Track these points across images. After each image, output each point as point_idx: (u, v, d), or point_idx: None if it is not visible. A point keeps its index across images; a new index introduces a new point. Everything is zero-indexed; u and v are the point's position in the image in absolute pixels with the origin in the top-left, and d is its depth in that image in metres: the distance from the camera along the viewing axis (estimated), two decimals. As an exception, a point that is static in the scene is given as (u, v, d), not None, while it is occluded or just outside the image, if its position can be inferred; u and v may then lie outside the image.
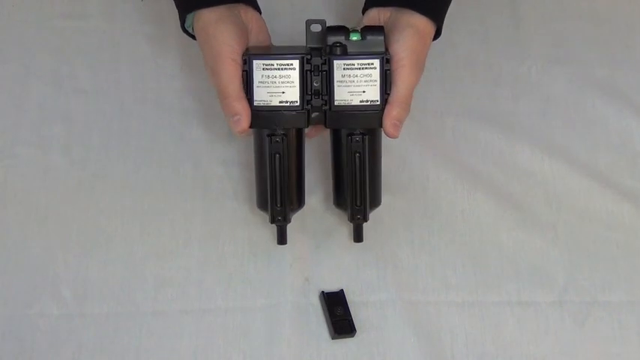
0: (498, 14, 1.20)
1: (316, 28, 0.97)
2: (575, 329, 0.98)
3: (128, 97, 1.13)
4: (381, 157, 0.99)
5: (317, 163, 1.07)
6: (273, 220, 0.98)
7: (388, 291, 1.00)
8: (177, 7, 1.00)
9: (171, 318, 0.98)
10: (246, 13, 0.99)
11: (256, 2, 1.01)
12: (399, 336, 0.97)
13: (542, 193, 1.07)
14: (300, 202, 1.00)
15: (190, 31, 1.00)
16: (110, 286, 1.00)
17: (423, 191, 1.06)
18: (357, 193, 0.97)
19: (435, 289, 1.00)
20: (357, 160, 0.95)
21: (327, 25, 0.96)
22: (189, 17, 0.98)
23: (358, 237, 0.99)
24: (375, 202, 0.99)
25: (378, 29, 0.96)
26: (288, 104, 0.94)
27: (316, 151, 1.07)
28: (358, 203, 0.97)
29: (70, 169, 1.07)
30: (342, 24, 0.97)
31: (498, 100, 1.13)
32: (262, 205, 0.99)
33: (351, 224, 0.99)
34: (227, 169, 1.08)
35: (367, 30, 0.96)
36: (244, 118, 0.94)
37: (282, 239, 0.99)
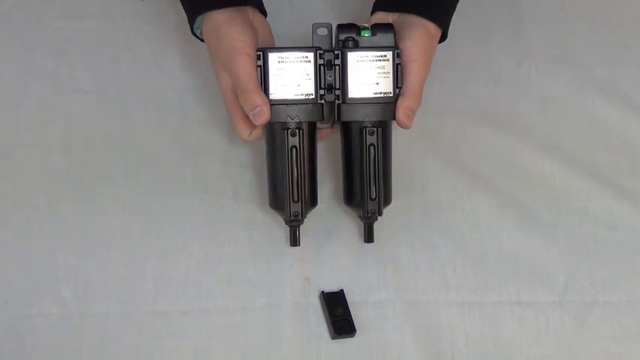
0: (498, 14, 1.20)
1: (322, 31, 0.97)
2: (575, 329, 0.98)
3: (128, 97, 1.13)
4: (391, 153, 0.99)
5: (320, 165, 1.07)
6: (289, 217, 0.96)
7: (388, 291, 1.00)
8: (187, 9, 1.00)
9: (171, 318, 0.98)
10: (253, 15, 0.99)
11: (262, 5, 1.02)
12: (399, 336, 0.97)
13: (542, 193, 1.07)
14: (313, 200, 0.99)
15: (198, 34, 1.00)
16: (110, 286, 1.00)
17: (423, 191, 1.06)
18: (371, 185, 0.96)
19: (435, 289, 1.00)
20: (372, 151, 0.96)
21: (336, 25, 0.97)
22: (198, 19, 0.99)
23: (370, 237, 0.99)
24: (387, 198, 0.99)
25: (388, 26, 0.97)
26: (303, 97, 0.95)
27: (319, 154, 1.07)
28: (373, 196, 0.97)
29: (70, 169, 1.07)
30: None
31: (498, 100, 1.13)
32: (276, 203, 0.98)
33: (355, 224, 1.00)
34: (227, 169, 1.08)
35: (377, 27, 0.97)
36: (266, 109, 0.94)
37: (295, 240, 0.99)
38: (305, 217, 0.98)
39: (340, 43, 0.96)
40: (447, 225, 1.04)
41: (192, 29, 1.01)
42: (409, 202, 1.05)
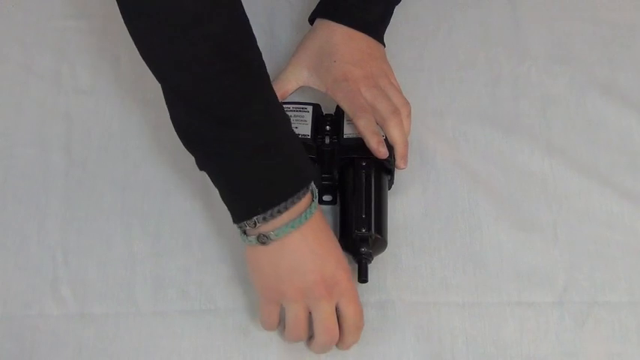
0: (498, 14, 1.19)
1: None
2: (575, 329, 0.98)
3: (128, 97, 1.13)
4: (387, 197, 1.01)
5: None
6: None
7: (388, 292, 1.00)
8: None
9: (171, 318, 0.98)
10: None
11: None
12: (399, 336, 0.97)
13: (542, 193, 1.06)
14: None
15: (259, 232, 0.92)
16: (110, 286, 1.00)
17: (423, 191, 1.06)
18: (362, 203, 0.98)
19: (435, 289, 1.00)
20: (364, 177, 0.99)
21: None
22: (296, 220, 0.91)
23: (363, 275, 0.97)
24: (380, 227, 0.99)
25: None
26: (300, 136, 1.01)
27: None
28: (363, 215, 0.98)
29: (70, 169, 1.07)
30: None
31: (498, 100, 1.13)
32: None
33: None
34: (227, 169, 1.08)
35: None
36: None
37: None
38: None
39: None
40: (447, 225, 1.04)
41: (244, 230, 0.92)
42: (409, 202, 1.05)
